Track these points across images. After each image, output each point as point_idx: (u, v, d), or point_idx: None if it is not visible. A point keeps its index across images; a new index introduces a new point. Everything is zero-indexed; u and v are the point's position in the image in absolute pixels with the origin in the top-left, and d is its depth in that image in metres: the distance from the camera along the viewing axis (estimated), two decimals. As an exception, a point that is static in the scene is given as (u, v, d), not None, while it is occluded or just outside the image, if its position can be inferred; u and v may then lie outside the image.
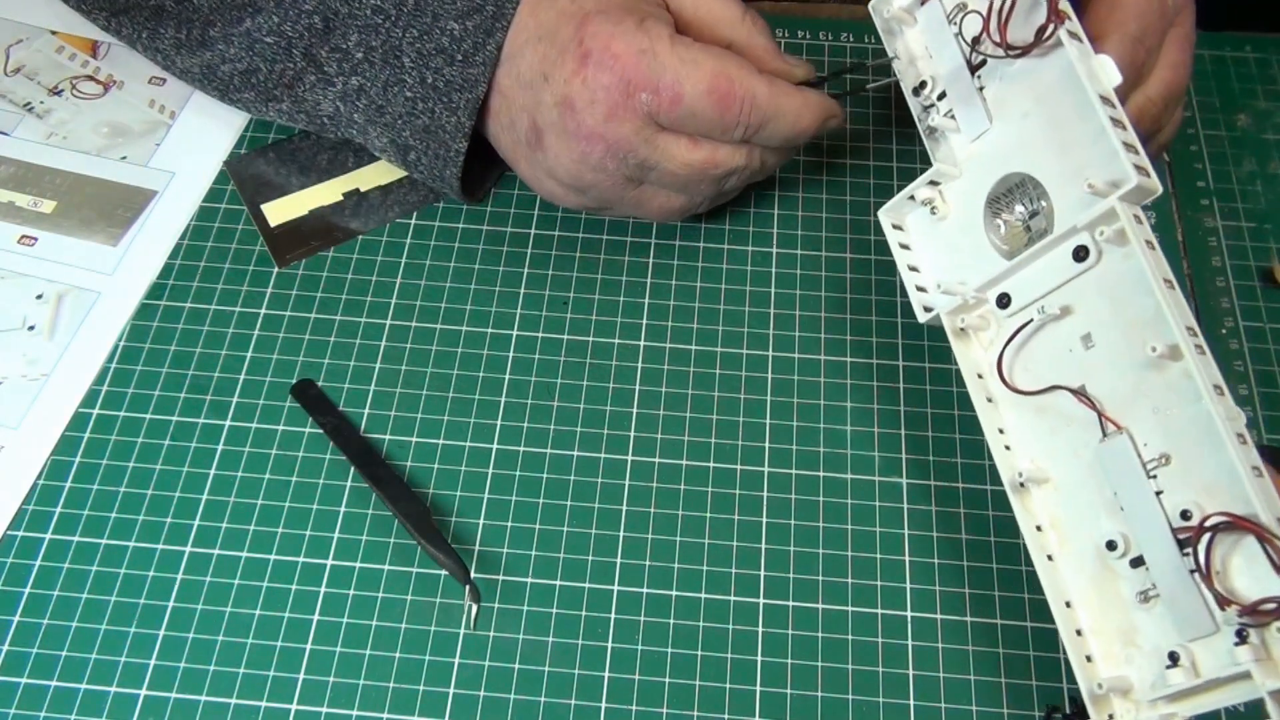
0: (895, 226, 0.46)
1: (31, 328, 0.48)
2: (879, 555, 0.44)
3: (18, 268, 0.50)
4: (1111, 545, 0.37)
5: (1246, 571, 0.33)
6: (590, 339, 0.49)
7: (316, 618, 0.42)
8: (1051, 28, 0.39)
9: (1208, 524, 0.34)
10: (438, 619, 0.42)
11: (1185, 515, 0.35)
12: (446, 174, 0.47)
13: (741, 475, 0.46)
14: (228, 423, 0.46)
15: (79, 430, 0.46)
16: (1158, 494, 0.36)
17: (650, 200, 0.46)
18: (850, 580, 0.43)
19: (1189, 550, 0.35)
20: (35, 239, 0.51)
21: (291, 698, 0.41)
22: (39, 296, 0.49)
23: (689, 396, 0.47)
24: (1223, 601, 0.33)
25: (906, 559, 0.44)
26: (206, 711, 0.40)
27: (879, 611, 0.43)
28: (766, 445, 0.46)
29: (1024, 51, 0.40)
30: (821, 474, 0.46)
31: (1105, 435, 0.38)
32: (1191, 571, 0.34)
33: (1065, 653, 0.38)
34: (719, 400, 0.47)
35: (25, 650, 0.41)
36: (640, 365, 0.48)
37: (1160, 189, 0.37)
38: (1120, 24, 0.43)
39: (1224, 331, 0.49)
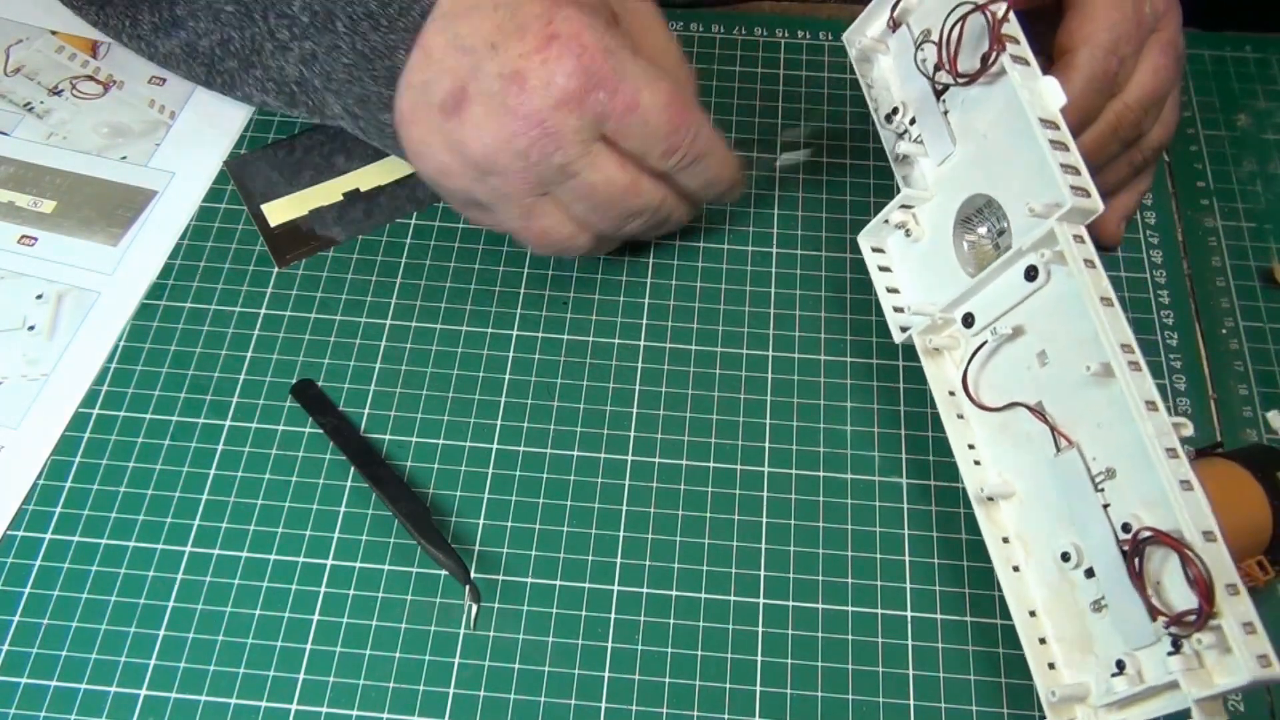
0: (876, 249, 0.47)
1: (31, 328, 0.48)
2: (879, 555, 0.44)
3: (18, 268, 0.50)
4: (1065, 557, 0.38)
5: (1180, 583, 0.34)
6: (590, 339, 0.49)
7: (316, 618, 0.42)
8: (994, 54, 0.39)
9: (1139, 537, 0.35)
10: (438, 619, 0.42)
11: (1126, 528, 0.36)
12: (389, 145, 0.46)
13: (741, 475, 0.46)
14: (228, 423, 0.46)
15: (79, 430, 0.46)
16: (1105, 507, 0.37)
17: (541, 218, 0.44)
18: (850, 580, 0.43)
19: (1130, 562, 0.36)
20: (35, 239, 0.51)
21: (291, 698, 0.41)
22: (39, 296, 0.49)
23: (689, 396, 0.47)
24: (1154, 612, 0.34)
25: (906, 559, 0.44)
26: (206, 711, 0.40)
27: (879, 611, 0.43)
28: (766, 445, 0.46)
29: (972, 79, 0.41)
30: (821, 474, 0.46)
31: (1059, 450, 0.39)
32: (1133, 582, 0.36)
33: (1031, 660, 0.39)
34: (719, 400, 0.47)
35: (25, 650, 0.41)
36: (640, 365, 0.48)
37: (1101, 208, 0.38)
38: (1091, 35, 0.44)
39: (1224, 331, 0.49)
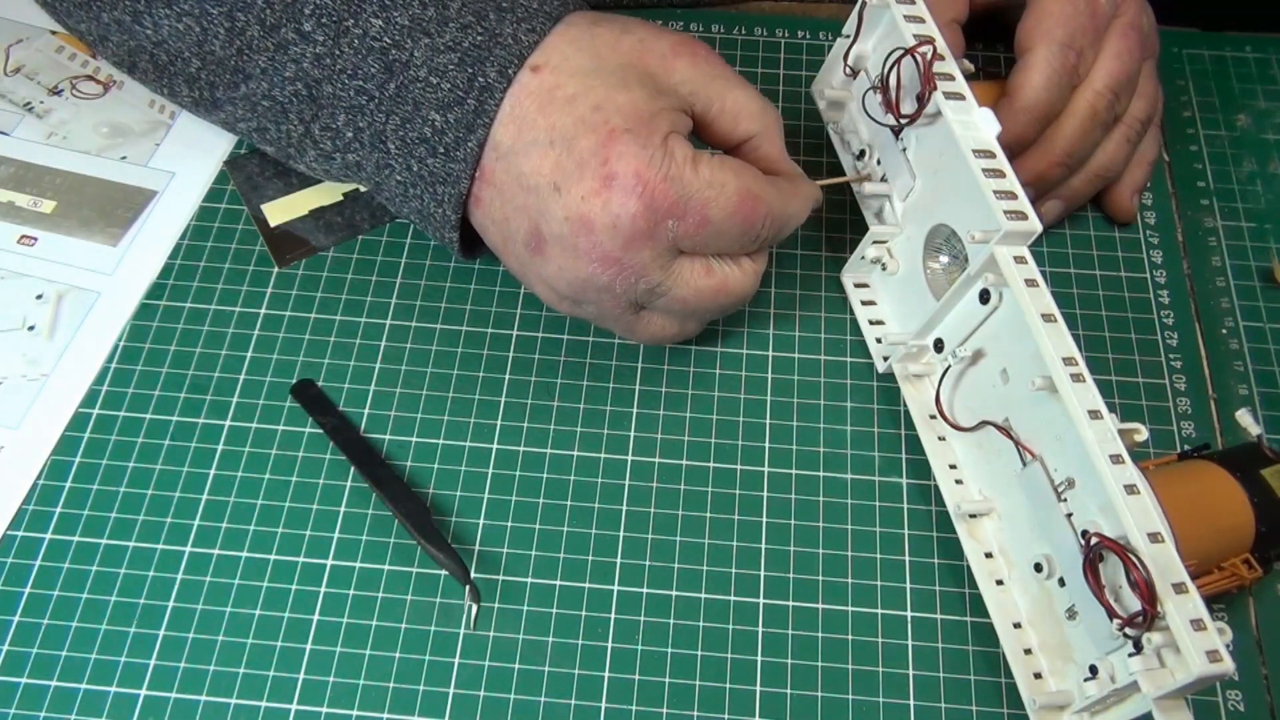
0: (859, 284, 0.49)
1: (31, 328, 0.48)
2: (879, 555, 0.44)
3: (18, 268, 0.50)
4: (1039, 567, 0.40)
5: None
6: (590, 339, 0.49)
7: (316, 618, 0.42)
8: (928, 93, 0.42)
9: (1091, 544, 0.36)
10: (438, 619, 0.42)
11: (1085, 535, 0.37)
12: (448, 247, 0.46)
13: (741, 475, 0.46)
14: (228, 423, 0.46)
15: (79, 430, 0.46)
16: (1068, 516, 0.38)
17: (645, 327, 0.44)
18: (850, 580, 0.43)
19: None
20: (35, 239, 0.51)
21: (291, 698, 0.41)
22: (39, 296, 0.49)
23: (689, 397, 0.47)
24: (1112, 615, 0.35)
25: (906, 559, 0.44)
26: (206, 711, 0.40)
27: (879, 611, 0.43)
28: (766, 445, 0.46)
29: (912, 119, 0.43)
30: (821, 474, 0.46)
31: (1025, 464, 0.40)
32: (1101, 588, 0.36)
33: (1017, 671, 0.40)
34: (719, 400, 0.47)
35: (25, 650, 0.41)
36: (640, 365, 0.48)
37: (1039, 228, 0.40)
38: (1046, 34, 0.46)
39: (1224, 331, 0.49)
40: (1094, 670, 0.37)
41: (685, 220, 0.40)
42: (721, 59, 0.44)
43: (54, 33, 0.57)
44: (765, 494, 0.45)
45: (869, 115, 0.46)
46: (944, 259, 0.45)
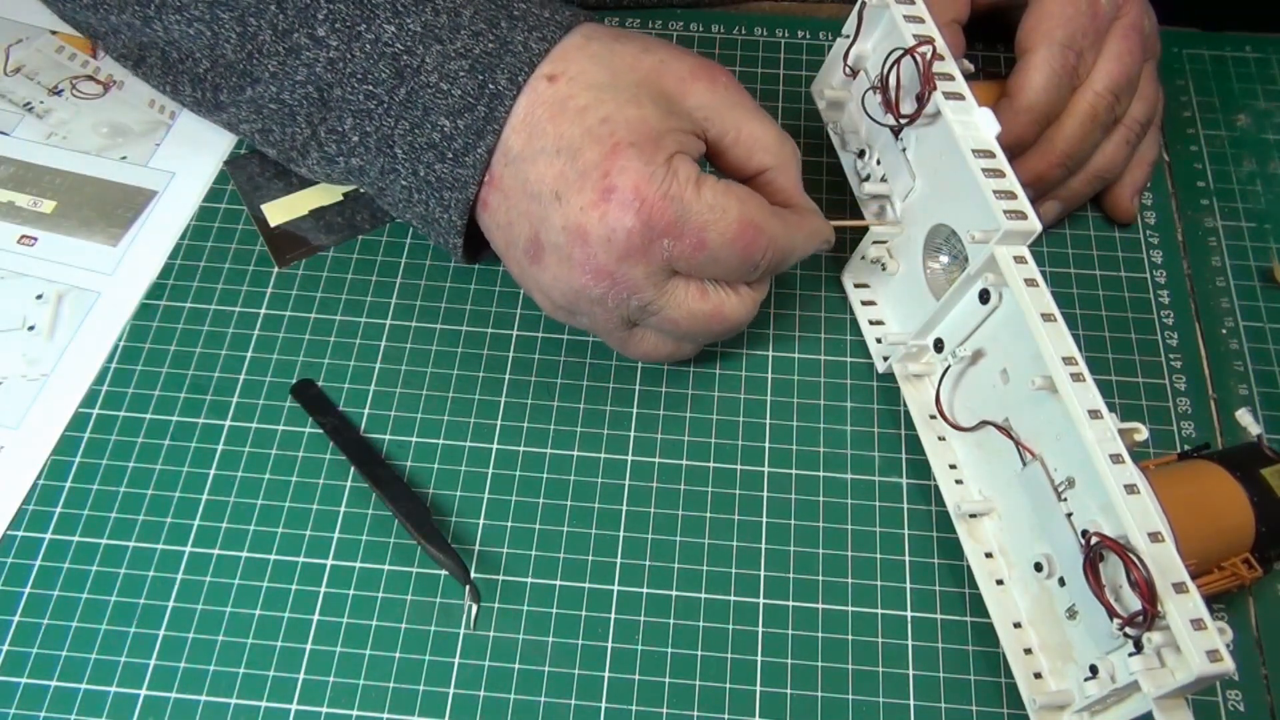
0: (859, 285, 0.49)
1: (31, 328, 0.48)
2: (879, 555, 0.44)
3: (18, 268, 0.50)
4: (1039, 567, 0.40)
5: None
6: (590, 339, 0.49)
7: (316, 618, 0.42)
8: (927, 94, 0.42)
9: (1092, 543, 0.36)
10: (438, 619, 0.42)
11: (1085, 535, 0.37)
12: (450, 251, 0.46)
13: (741, 475, 0.46)
14: (228, 423, 0.46)
15: (79, 430, 0.46)
16: (1068, 516, 0.38)
17: (638, 344, 0.44)
18: (850, 580, 0.43)
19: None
20: (35, 239, 0.51)
21: (291, 698, 0.41)
22: (39, 296, 0.49)
23: (689, 397, 0.47)
24: (1112, 613, 0.35)
25: (906, 559, 0.44)
26: (206, 711, 0.40)
27: (879, 611, 0.43)
28: (766, 445, 0.46)
29: (912, 119, 0.43)
30: (821, 474, 0.46)
31: (1025, 464, 0.40)
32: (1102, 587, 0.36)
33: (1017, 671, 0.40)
34: (719, 400, 0.47)
35: (25, 650, 0.41)
36: (640, 365, 0.48)
37: (1039, 228, 0.40)
38: (1047, 34, 0.46)
39: (1224, 331, 0.49)
40: (1094, 670, 0.37)
41: (681, 241, 0.40)
42: (742, 88, 0.44)
43: (54, 32, 0.57)
44: (765, 494, 0.45)
45: (869, 115, 0.46)
46: (944, 259, 0.45)
